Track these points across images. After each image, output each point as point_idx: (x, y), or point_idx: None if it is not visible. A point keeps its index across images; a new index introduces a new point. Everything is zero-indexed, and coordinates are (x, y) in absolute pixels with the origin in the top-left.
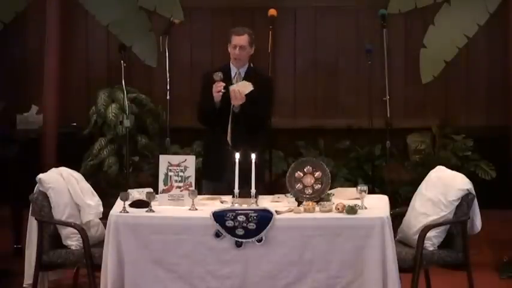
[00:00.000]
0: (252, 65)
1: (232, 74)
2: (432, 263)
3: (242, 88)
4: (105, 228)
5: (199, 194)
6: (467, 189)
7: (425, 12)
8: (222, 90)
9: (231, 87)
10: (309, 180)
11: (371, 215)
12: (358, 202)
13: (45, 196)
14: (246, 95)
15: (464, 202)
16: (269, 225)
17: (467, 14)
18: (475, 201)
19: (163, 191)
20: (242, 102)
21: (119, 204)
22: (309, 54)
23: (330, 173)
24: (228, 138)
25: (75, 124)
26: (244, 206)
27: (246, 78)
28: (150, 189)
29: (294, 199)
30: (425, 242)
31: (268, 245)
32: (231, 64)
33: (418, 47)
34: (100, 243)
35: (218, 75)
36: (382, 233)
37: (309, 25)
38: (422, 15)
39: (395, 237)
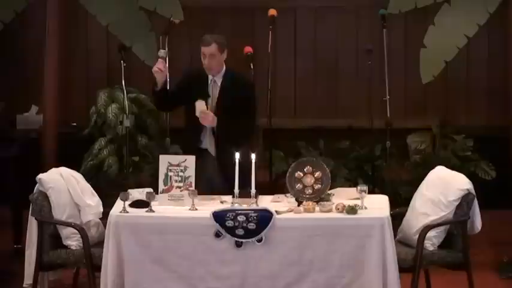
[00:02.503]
0: (229, 70)
1: (208, 81)
2: (432, 263)
3: (202, 108)
4: (105, 228)
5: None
6: (467, 189)
7: (425, 12)
8: (162, 69)
9: (196, 114)
10: (309, 180)
11: (371, 215)
12: (358, 202)
13: (45, 196)
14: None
15: (464, 202)
16: (269, 225)
17: (467, 14)
18: (475, 201)
19: (163, 191)
20: (215, 123)
21: (118, 204)
22: (309, 54)
23: (330, 173)
24: (211, 150)
25: (75, 124)
26: (244, 206)
27: (223, 87)
28: (150, 189)
29: (294, 199)
30: (425, 242)
31: (268, 245)
32: None
33: (418, 47)
34: (100, 243)
35: (161, 52)
36: (382, 233)
37: (309, 25)
38: (422, 15)
39: (395, 237)
